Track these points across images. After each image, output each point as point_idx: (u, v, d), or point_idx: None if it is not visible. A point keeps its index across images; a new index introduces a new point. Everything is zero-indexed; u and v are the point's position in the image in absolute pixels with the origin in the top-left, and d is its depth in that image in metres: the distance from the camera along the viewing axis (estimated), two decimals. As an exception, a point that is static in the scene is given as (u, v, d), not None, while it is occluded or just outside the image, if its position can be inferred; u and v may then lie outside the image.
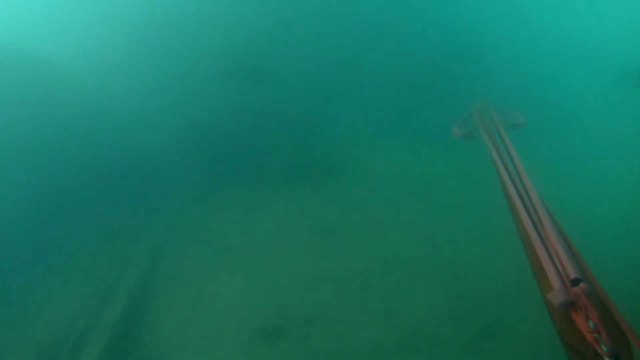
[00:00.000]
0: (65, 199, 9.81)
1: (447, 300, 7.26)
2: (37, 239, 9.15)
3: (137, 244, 9.33)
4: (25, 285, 8.33)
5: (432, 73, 16.23)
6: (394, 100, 15.19)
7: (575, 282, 2.03)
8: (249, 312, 7.44)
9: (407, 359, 6.32)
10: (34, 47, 12.18)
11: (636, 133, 12.36)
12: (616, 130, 13.06)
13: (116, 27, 14.91)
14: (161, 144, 12.04)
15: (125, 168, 11.08)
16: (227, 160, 12.11)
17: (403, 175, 11.73)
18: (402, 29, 17.49)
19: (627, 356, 1.75)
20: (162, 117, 12.67)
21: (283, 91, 14.34)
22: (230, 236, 9.54)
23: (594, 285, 2.02)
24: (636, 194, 9.36)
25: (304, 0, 16.45)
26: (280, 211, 10.46)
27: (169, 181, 11.41)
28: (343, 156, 12.61)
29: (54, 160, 10.14)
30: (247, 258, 8.82)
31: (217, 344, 6.88)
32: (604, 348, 1.70)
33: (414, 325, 6.84)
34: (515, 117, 4.48)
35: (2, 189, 9.20)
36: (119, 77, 13.20)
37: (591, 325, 1.78)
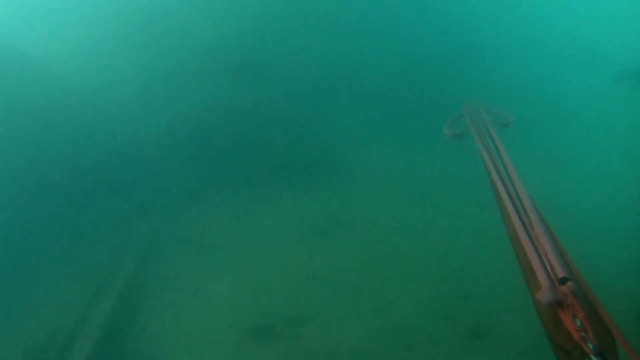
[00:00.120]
0: (55, 198, 9.72)
1: (438, 299, 7.30)
2: (25, 238, 9.05)
3: (128, 243, 9.27)
4: (12, 285, 8.24)
5: (429, 73, 16.23)
6: (388, 100, 15.20)
7: (563, 281, 2.05)
8: (240, 311, 7.42)
9: (398, 358, 6.34)
10: (26, 46, 12.05)
11: (628, 133, 12.46)
12: (606, 130, 13.18)
13: (108, 25, 14.79)
14: (154, 143, 11.98)
15: (118, 167, 11.01)
16: (219, 159, 12.06)
17: (394, 175, 11.76)
18: (398, 29, 17.47)
19: (613, 354, 1.76)
20: (155, 116, 12.60)
21: (277, 90, 14.31)
22: (222, 236, 9.51)
23: (581, 284, 2.04)
24: (625, 194, 9.45)
25: (298, -1, 16.37)
26: (273, 211, 10.44)
27: (161, 180, 11.36)
28: (335, 156, 12.62)
29: (43, 158, 10.04)
30: (239, 257, 8.80)
31: (208, 343, 6.86)
32: (591, 346, 1.72)
33: (406, 325, 6.86)
34: (505, 116, 4.51)
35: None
36: (110, 75, 13.09)
37: (578, 323, 1.80)
